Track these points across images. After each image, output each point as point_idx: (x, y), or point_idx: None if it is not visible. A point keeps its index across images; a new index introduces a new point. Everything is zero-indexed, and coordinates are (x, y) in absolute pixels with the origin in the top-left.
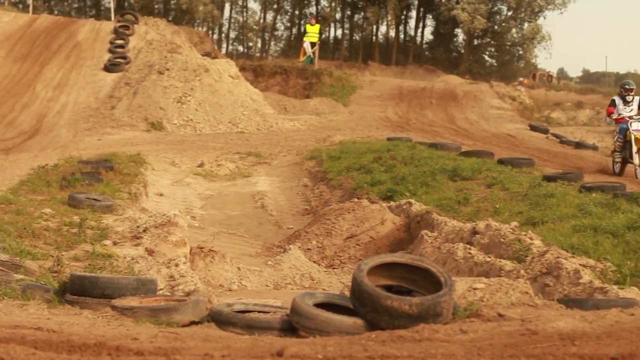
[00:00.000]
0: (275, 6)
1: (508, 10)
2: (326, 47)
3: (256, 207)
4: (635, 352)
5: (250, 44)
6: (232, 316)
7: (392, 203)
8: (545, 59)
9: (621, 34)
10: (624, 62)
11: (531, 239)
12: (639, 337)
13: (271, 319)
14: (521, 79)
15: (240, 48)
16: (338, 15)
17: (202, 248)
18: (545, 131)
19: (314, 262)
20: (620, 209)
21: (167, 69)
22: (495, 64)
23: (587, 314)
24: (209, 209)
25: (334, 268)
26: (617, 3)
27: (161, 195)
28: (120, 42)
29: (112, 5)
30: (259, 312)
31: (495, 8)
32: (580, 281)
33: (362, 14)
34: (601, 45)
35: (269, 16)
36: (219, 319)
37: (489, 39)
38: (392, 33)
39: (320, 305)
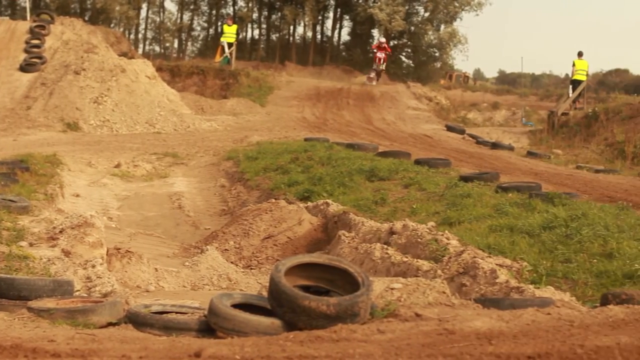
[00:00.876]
0: (192, 7)
1: (425, 12)
2: (243, 48)
3: (173, 207)
4: (551, 351)
5: (167, 44)
6: (149, 317)
7: (309, 203)
8: (462, 61)
9: (536, 35)
10: (539, 63)
11: (448, 239)
12: (555, 336)
13: (189, 320)
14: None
15: (157, 48)
16: (255, 16)
17: (119, 249)
18: (462, 132)
19: (232, 262)
20: (536, 209)
21: (84, 69)
22: (412, 65)
23: (503, 313)
24: (126, 209)
25: (251, 269)
26: (532, 5)
27: (77, 196)
28: (36, 42)
29: (27, 5)
30: (177, 313)
31: (413, 10)
32: (497, 281)
33: (279, 14)
34: (517, 46)
35: (186, 16)
36: (136, 320)
37: (405, 40)
38: (309, 33)
39: (238, 306)
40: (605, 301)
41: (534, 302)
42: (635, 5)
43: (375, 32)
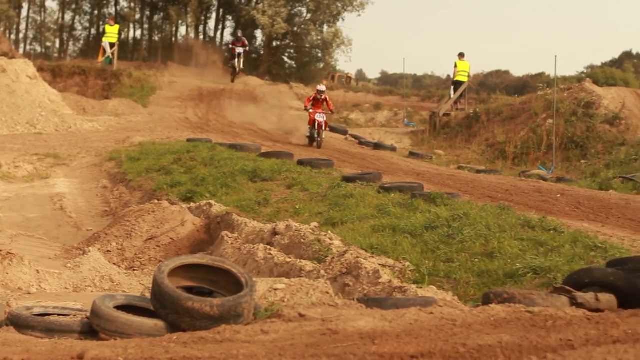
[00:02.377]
0: (74, 6)
1: (308, 12)
2: (125, 48)
3: (55, 209)
4: (434, 350)
5: (49, 44)
6: (31, 319)
7: (192, 204)
8: (345, 62)
9: (418, 37)
10: (421, 64)
11: (331, 239)
12: (438, 335)
13: (71, 322)
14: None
15: (39, 48)
16: (138, 16)
17: (0, 251)
18: (344, 132)
19: (114, 264)
20: (419, 209)
21: None
22: (294, 66)
23: (386, 313)
24: (7, 211)
25: (134, 270)
26: (415, 6)
27: None
28: None
29: None
30: (59, 315)
31: (295, 10)
32: (380, 281)
33: (162, 14)
34: (399, 47)
35: (68, 16)
36: (17, 323)
37: (288, 41)
38: (192, 34)
39: (121, 308)
40: (487, 300)
41: (416, 301)
42: (516, 7)
43: (258, 33)
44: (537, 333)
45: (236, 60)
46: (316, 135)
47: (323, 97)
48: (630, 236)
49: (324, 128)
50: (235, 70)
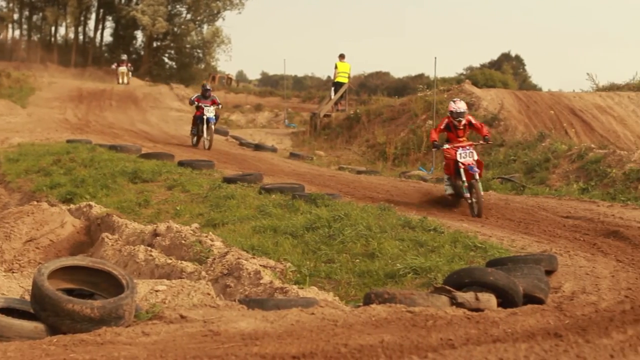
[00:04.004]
0: None
1: (187, 12)
2: (4, 48)
3: None
4: (315, 350)
5: None
6: None
7: (72, 206)
8: (225, 62)
9: (299, 37)
10: (301, 65)
11: (212, 240)
12: (319, 336)
13: None
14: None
15: None
16: (16, 16)
17: None
18: (225, 133)
19: None
20: (300, 210)
21: None
22: (175, 67)
23: (268, 314)
24: None
25: (13, 272)
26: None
27: None
28: None
29: None
30: None
31: (175, 10)
32: (261, 282)
33: (41, 14)
34: (280, 48)
35: None
36: None
37: (169, 42)
38: (72, 34)
39: (0, 311)
40: (368, 300)
41: (298, 302)
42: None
43: (138, 34)
44: (417, 333)
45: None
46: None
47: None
48: (509, 236)
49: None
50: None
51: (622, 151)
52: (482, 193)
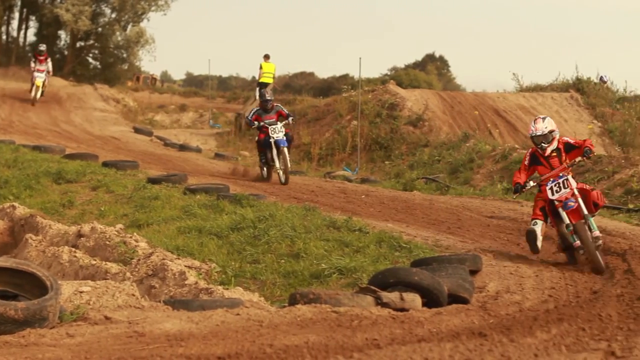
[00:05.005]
0: None
1: (112, 12)
2: None
3: None
4: (241, 351)
5: None
6: None
7: None
8: (150, 62)
9: (223, 37)
10: (226, 65)
11: (137, 241)
12: (245, 336)
13: None
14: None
15: None
16: None
17: None
18: (150, 134)
19: None
20: (224, 211)
21: None
22: (99, 67)
23: (193, 314)
24: None
25: None
26: (219, 6)
27: None
28: None
29: None
30: None
31: (99, 10)
32: (186, 282)
33: None
34: (204, 48)
35: None
36: None
37: (92, 41)
38: None
39: None
40: (293, 301)
41: (223, 303)
42: (320, 9)
43: (62, 33)
44: (343, 333)
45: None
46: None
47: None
48: (433, 236)
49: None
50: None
51: None
52: (597, 238)
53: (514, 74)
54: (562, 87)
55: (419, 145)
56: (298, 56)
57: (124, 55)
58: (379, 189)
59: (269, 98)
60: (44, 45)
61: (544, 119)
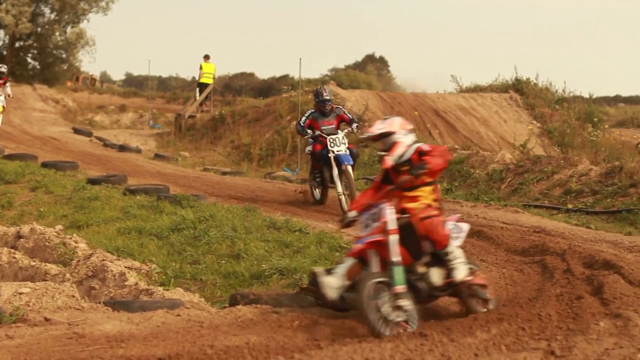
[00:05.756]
0: None
1: (52, 12)
2: None
3: None
4: (181, 352)
5: None
6: None
7: None
8: (90, 63)
9: (163, 38)
10: (166, 65)
11: (76, 242)
12: (185, 337)
13: None
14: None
15: None
16: None
17: None
18: (89, 134)
19: None
20: (164, 211)
21: None
22: (38, 67)
23: (133, 315)
24: None
25: None
26: (159, 7)
27: None
28: None
29: None
30: None
31: (39, 10)
32: (126, 283)
33: None
34: (144, 48)
35: None
36: None
37: (32, 42)
38: None
39: None
40: (234, 301)
41: (163, 304)
42: (259, 9)
43: (1, 34)
44: (283, 333)
45: None
46: (340, 187)
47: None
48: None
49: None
50: None
51: (485, 152)
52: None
53: (452, 75)
54: (502, 88)
55: (360, 146)
56: (238, 57)
57: (64, 55)
58: None
59: (327, 97)
60: (5, 67)
61: (386, 119)
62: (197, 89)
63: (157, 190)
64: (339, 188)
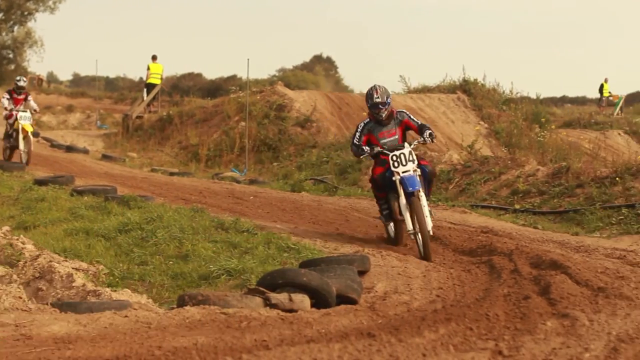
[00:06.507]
0: None
1: None
2: None
3: None
4: (129, 353)
5: None
6: None
7: None
8: (37, 62)
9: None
10: (113, 66)
11: (23, 243)
12: (133, 338)
13: None
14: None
15: None
16: None
17: None
18: (36, 135)
19: None
20: (112, 212)
21: None
22: None
23: (81, 317)
24: None
25: None
26: (106, 7)
27: None
28: None
29: None
30: None
31: None
32: (74, 285)
33: None
34: (92, 48)
35: None
36: None
37: None
38: None
39: None
40: (181, 302)
41: (111, 305)
42: (206, 9)
43: None
44: (232, 334)
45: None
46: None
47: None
48: (321, 237)
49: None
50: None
51: (433, 152)
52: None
53: (401, 76)
54: (450, 89)
55: (307, 147)
56: (186, 57)
57: (11, 55)
58: (267, 190)
59: (379, 100)
60: (24, 79)
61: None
62: (145, 90)
63: (104, 191)
64: (409, 225)
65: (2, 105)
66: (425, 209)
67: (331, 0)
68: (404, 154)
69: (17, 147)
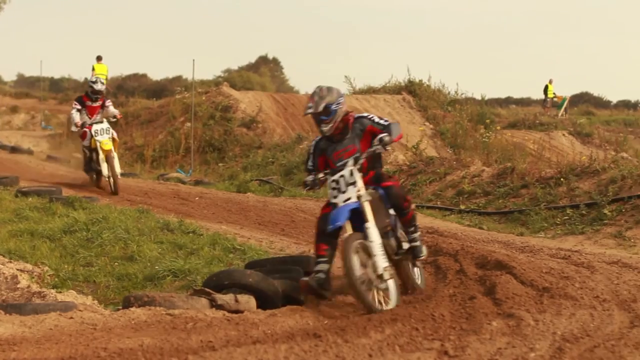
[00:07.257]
0: None
1: None
2: None
3: None
4: (74, 355)
5: None
6: None
7: None
8: None
9: (55, 38)
10: (58, 66)
11: None
12: (79, 340)
13: None
14: None
15: None
16: None
17: None
18: None
19: None
20: (57, 213)
21: None
22: None
23: (26, 318)
24: None
25: None
26: (51, 7)
27: None
28: None
29: None
30: None
31: None
32: (18, 286)
33: None
34: (36, 49)
35: None
36: None
37: None
38: None
39: None
40: (127, 304)
41: (56, 306)
42: (152, 9)
43: None
44: (177, 335)
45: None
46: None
47: None
48: (267, 237)
49: None
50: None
51: None
52: None
53: (346, 76)
54: (395, 90)
55: (253, 147)
56: (131, 58)
57: None
58: (213, 190)
59: (311, 111)
60: (102, 82)
61: None
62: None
63: (49, 192)
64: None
65: (72, 120)
66: (378, 256)
67: (277, 0)
68: (343, 177)
69: (101, 172)
